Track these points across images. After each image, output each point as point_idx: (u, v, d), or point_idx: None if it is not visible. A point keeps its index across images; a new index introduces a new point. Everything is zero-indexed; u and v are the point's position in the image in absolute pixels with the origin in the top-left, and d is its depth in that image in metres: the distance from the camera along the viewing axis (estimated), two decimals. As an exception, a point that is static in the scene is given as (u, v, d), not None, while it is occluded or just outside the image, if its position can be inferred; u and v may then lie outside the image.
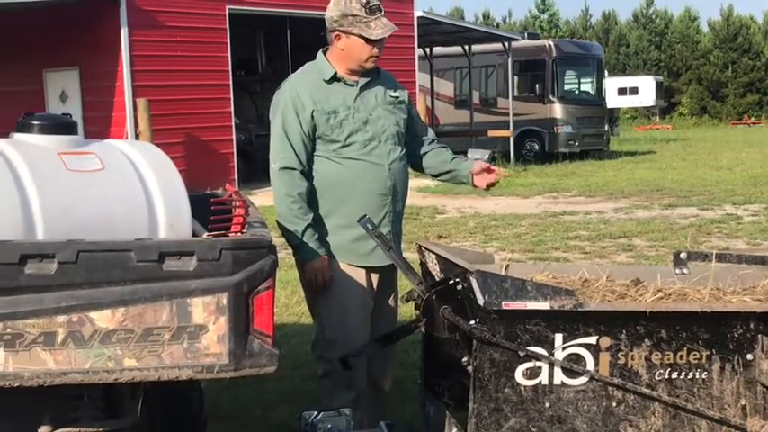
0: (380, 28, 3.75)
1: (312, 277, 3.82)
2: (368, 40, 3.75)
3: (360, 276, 3.89)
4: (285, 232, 3.80)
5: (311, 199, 3.84)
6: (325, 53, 3.92)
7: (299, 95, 3.82)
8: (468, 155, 22.33)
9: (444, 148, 4.21)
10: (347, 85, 3.88)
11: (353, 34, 3.76)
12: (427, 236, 11.50)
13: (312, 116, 3.79)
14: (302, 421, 3.44)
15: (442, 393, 3.73)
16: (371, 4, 3.74)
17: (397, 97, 3.99)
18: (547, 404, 3.11)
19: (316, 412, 3.44)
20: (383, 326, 3.93)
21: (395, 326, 4.06)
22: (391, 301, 4.10)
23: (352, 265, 3.88)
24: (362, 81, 3.89)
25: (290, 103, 3.82)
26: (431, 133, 4.26)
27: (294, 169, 3.79)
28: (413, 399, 4.29)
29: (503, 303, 3.01)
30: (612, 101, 35.91)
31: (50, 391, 2.62)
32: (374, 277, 3.94)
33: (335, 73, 3.85)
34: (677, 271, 3.75)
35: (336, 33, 3.81)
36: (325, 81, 3.85)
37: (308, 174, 3.83)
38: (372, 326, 3.94)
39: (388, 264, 3.78)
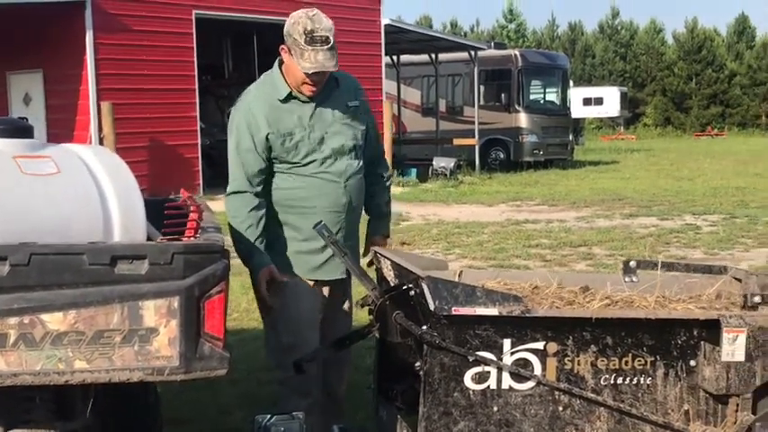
0: (310, 62, 3.63)
1: (262, 286, 3.79)
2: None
3: (311, 287, 3.89)
4: (237, 248, 3.78)
5: (266, 211, 3.83)
6: (281, 65, 3.85)
7: (255, 116, 3.77)
8: (434, 163, 22.51)
9: (385, 188, 4.20)
10: (302, 102, 3.81)
11: (291, 55, 3.70)
12: (390, 242, 11.53)
13: (267, 138, 3.76)
14: (255, 424, 3.47)
15: (395, 398, 3.78)
16: (315, 35, 3.62)
17: (357, 106, 3.93)
18: (495, 408, 3.17)
19: (269, 415, 3.47)
20: (335, 336, 3.96)
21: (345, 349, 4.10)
22: (344, 313, 4.11)
23: (303, 278, 3.88)
24: (319, 97, 3.82)
25: (244, 125, 3.78)
26: (381, 154, 4.19)
27: (246, 192, 3.77)
28: (367, 403, 4.33)
29: (452, 309, 3.07)
30: (578, 111, 36.23)
31: (2, 393, 2.65)
32: (325, 290, 3.95)
33: (290, 92, 3.79)
34: (627, 279, 3.83)
35: (283, 47, 3.76)
36: (280, 100, 3.79)
37: (262, 193, 3.81)
38: (324, 336, 3.95)
39: (338, 278, 3.85)
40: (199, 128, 17.91)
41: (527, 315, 3.11)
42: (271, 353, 4.05)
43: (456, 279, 3.68)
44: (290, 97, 3.80)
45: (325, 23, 3.67)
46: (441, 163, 22.47)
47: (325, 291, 3.95)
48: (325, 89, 3.83)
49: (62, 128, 15.72)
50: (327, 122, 3.84)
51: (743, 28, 59.63)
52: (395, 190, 18.99)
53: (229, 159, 3.84)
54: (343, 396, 4.23)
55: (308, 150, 3.79)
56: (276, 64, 3.88)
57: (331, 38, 3.66)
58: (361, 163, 3.97)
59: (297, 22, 3.66)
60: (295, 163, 3.80)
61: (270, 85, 3.85)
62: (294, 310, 3.88)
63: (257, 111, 3.78)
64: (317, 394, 3.94)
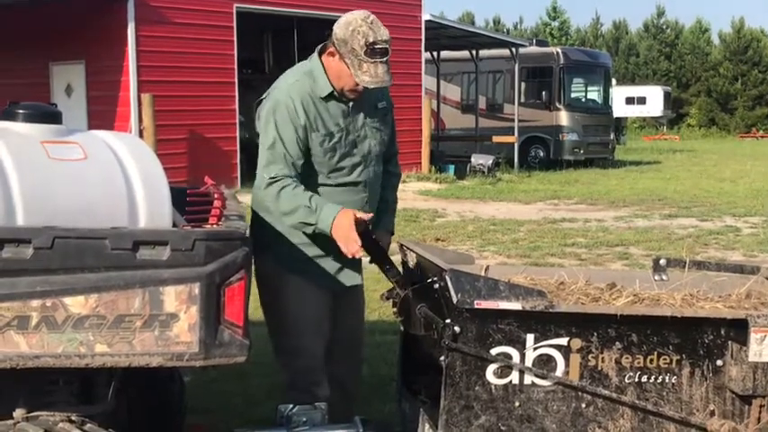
0: (370, 76, 3.49)
1: (344, 232, 3.47)
2: None
3: (318, 293, 3.75)
4: (297, 219, 3.54)
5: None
6: (321, 54, 3.67)
7: (298, 108, 3.58)
8: (472, 160, 22.43)
9: (394, 186, 4.04)
10: (339, 102, 3.66)
11: (345, 62, 3.53)
12: (425, 238, 11.55)
13: (306, 129, 3.58)
14: (278, 414, 3.49)
15: (419, 391, 3.77)
16: (377, 47, 3.47)
17: (384, 107, 3.81)
18: (517, 403, 3.15)
19: (291, 405, 3.49)
20: (345, 344, 3.91)
21: (358, 345, 4.06)
22: (355, 321, 4.00)
23: (312, 283, 3.74)
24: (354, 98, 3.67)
25: (285, 114, 3.58)
26: (395, 154, 4.04)
27: (290, 176, 3.56)
28: (393, 397, 4.32)
29: (475, 302, 3.05)
30: (620, 110, 35.94)
31: (26, 375, 2.68)
32: (337, 295, 3.82)
33: (332, 92, 3.63)
34: (656, 277, 3.79)
35: (331, 49, 3.58)
36: (321, 98, 3.63)
37: (301, 180, 3.61)
38: (335, 343, 3.87)
39: (352, 285, 3.78)
40: (238, 121, 18.01)
41: (550, 310, 3.08)
42: (277, 355, 3.94)
43: (482, 274, 3.65)
44: (330, 96, 3.64)
45: (384, 32, 3.52)
46: (479, 160, 22.37)
47: (337, 297, 3.82)
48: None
49: (103, 119, 15.86)
50: (359, 124, 3.72)
51: (791, 28, 58.69)
52: (431, 186, 19.09)
53: (264, 147, 3.63)
54: (356, 392, 4.11)
55: (342, 154, 3.66)
56: (317, 57, 3.69)
57: (389, 49, 3.53)
58: (382, 166, 3.86)
59: (357, 31, 3.48)
60: (329, 167, 3.66)
61: (311, 78, 3.65)
62: (297, 314, 3.74)
63: (300, 104, 3.59)
64: (327, 396, 3.76)
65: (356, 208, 3.60)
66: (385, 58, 3.52)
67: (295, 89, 3.63)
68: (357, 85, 3.56)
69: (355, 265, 3.82)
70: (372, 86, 3.54)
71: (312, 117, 3.60)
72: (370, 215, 3.55)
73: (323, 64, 3.65)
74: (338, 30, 3.54)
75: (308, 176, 3.64)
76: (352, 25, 3.50)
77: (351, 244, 3.45)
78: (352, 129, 3.70)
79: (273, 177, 3.56)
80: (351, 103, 3.68)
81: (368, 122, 3.75)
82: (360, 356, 4.12)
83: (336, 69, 3.59)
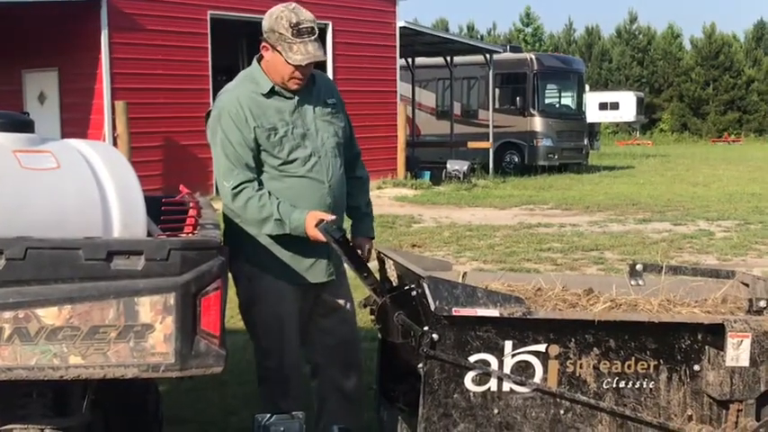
0: (301, 54, 3.60)
1: (311, 230, 3.59)
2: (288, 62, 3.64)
3: (295, 290, 3.80)
4: (269, 227, 3.65)
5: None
6: (260, 60, 3.79)
7: (241, 109, 3.68)
8: (448, 166, 22.46)
9: (364, 190, 4.08)
10: (285, 98, 3.76)
11: (277, 51, 3.65)
12: (401, 244, 11.55)
13: (254, 131, 3.67)
14: (255, 423, 3.46)
15: (397, 399, 3.76)
16: (301, 27, 3.60)
17: (334, 104, 3.89)
18: (495, 410, 3.14)
19: (269, 415, 3.46)
20: (331, 340, 3.93)
21: (351, 347, 4.03)
22: (341, 314, 3.99)
23: (286, 282, 3.79)
24: (299, 94, 3.77)
25: (230, 120, 3.67)
26: (357, 155, 4.08)
27: (250, 182, 3.66)
28: (371, 405, 4.30)
29: (453, 310, 3.05)
30: (593, 115, 36.13)
31: (-1, 388, 2.64)
32: (312, 292, 3.87)
33: (273, 87, 3.73)
34: (632, 282, 3.80)
35: (264, 45, 3.71)
36: (263, 95, 3.73)
37: (261, 175, 3.72)
38: (322, 340, 3.93)
39: (325, 281, 3.81)
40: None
41: (528, 317, 3.08)
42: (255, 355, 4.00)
43: (459, 280, 3.65)
44: (272, 92, 3.74)
45: (308, 14, 3.66)
46: (454, 166, 22.41)
47: (313, 293, 3.87)
48: (305, 86, 3.78)
49: (76, 126, 15.74)
50: (309, 119, 3.79)
51: (761, 34, 59.25)
52: (407, 192, 19.11)
53: (218, 156, 3.70)
54: (357, 396, 4.09)
55: (291, 146, 3.72)
56: (255, 62, 3.81)
57: (316, 28, 3.66)
58: (342, 162, 3.90)
59: (279, 17, 3.63)
60: (280, 160, 3.71)
61: (251, 81, 3.78)
62: (271, 314, 3.79)
63: (242, 105, 3.69)
64: (299, 395, 3.88)
65: (319, 202, 3.73)
66: (313, 37, 3.64)
67: (235, 93, 3.75)
68: (294, 71, 3.65)
69: (329, 260, 3.84)
70: (306, 63, 3.63)
71: (256, 115, 3.69)
72: (334, 216, 3.62)
73: (261, 67, 3.77)
74: (264, 23, 3.68)
75: (266, 171, 3.73)
76: (274, 14, 3.65)
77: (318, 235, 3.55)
78: (301, 123, 3.77)
79: (236, 187, 3.66)
80: (297, 98, 3.76)
81: (318, 116, 3.82)
82: (355, 359, 4.07)
83: (272, 62, 3.70)
